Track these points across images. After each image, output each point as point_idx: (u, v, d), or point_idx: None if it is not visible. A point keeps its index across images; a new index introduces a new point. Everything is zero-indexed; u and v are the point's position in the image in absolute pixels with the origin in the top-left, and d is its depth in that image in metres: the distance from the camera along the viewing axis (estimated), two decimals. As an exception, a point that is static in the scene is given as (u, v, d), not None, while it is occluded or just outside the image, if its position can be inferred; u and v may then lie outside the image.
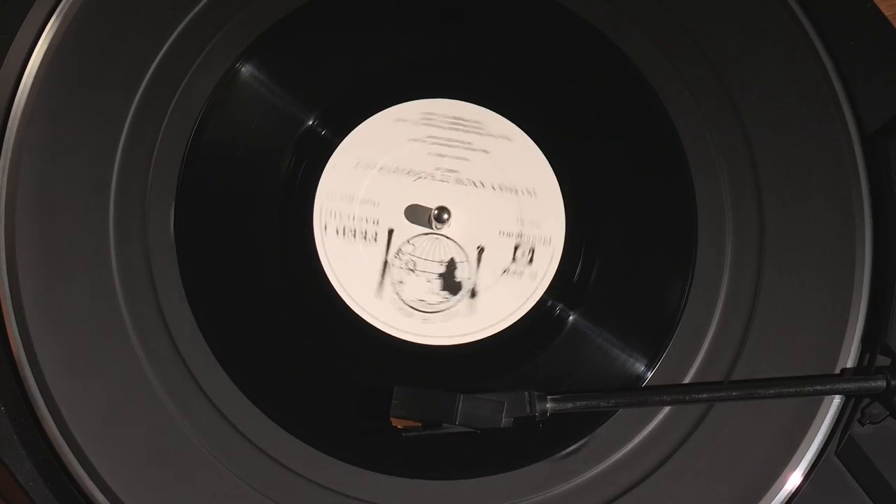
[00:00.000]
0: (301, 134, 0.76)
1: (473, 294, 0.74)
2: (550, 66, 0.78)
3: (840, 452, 0.70)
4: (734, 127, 0.76)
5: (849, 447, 0.70)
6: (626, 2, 0.78)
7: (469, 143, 0.76)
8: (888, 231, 0.74)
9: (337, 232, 0.74)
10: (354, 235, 0.74)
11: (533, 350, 0.73)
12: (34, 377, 0.69)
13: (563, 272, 0.74)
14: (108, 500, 0.68)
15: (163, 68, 0.75)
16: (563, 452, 0.71)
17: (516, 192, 0.76)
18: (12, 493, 0.69)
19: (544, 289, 0.74)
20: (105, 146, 0.73)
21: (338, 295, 0.73)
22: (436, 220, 0.74)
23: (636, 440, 0.71)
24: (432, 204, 0.74)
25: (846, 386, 0.70)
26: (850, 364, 0.72)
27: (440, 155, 0.76)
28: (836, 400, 0.71)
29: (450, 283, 0.74)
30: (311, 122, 0.76)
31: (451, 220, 0.74)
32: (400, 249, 0.74)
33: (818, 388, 0.70)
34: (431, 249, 0.74)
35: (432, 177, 0.76)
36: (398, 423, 0.68)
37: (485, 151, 0.76)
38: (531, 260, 0.75)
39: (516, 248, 0.75)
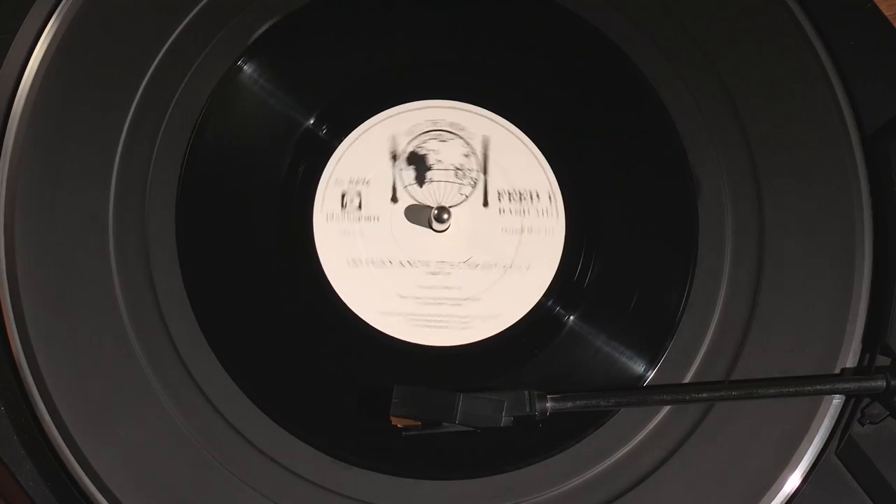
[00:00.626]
0: (301, 134, 0.76)
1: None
2: (551, 66, 0.78)
3: (840, 452, 0.70)
4: (734, 126, 0.76)
5: (849, 447, 0.70)
6: (625, 2, 0.78)
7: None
8: (888, 231, 0.74)
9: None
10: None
11: (533, 350, 0.73)
12: (34, 377, 0.69)
13: (564, 272, 0.74)
14: (108, 500, 0.68)
15: (163, 68, 0.75)
16: (563, 452, 0.71)
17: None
18: (12, 493, 0.69)
19: (548, 281, 0.74)
20: (105, 146, 0.73)
21: (337, 295, 0.73)
22: (436, 220, 0.74)
23: (636, 440, 0.71)
24: (432, 204, 0.75)
25: (846, 386, 0.70)
26: (850, 364, 0.72)
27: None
28: (836, 400, 0.71)
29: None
30: (310, 122, 0.76)
31: (451, 219, 0.74)
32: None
33: (818, 388, 0.70)
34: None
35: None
36: (398, 423, 0.68)
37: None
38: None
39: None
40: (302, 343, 0.72)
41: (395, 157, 0.75)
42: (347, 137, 0.76)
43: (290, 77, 0.77)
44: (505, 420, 0.67)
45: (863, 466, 0.70)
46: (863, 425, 0.70)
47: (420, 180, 0.75)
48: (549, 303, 0.74)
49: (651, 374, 0.72)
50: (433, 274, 0.74)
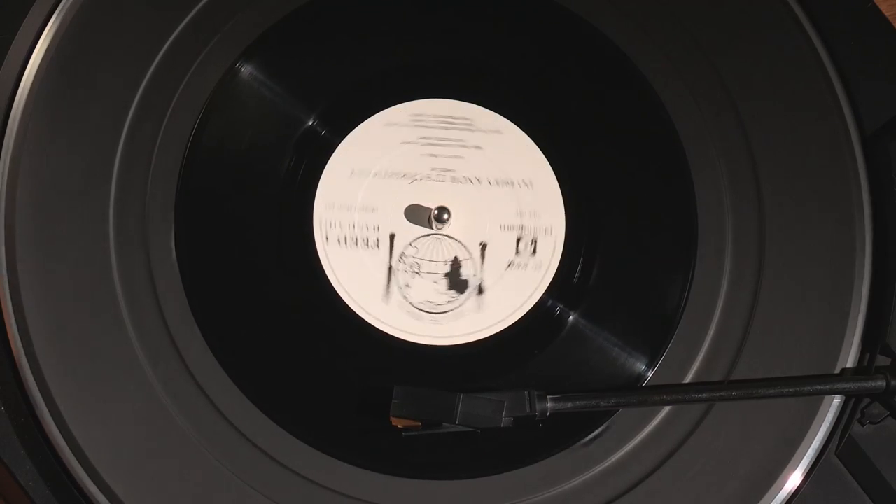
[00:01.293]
0: (301, 134, 0.76)
1: (481, 291, 0.74)
2: (551, 66, 0.78)
3: (840, 452, 0.70)
4: (734, 127, 0.76)
5: (849, 447, 0.70)
6: (625, 2, 0.78)
7: (461, 140, 0.76)
8: (888, 231, 0.74)
9: (339, 241, 0.74)
10: (357, 243, 0.74)
11: (533, 350, 0.73)
12: (34, 377, 0.69)
13: (564, 272, 0.74)
14: (108, 500, 0.68)
15: (163, 68, 0.75)
16: (563, 452, 0.71)
17: (513, 184, 0.76)
18: (12, 493, 0.69)
19: (550, 278, 0.74)
20: (105, 146, 0.73)
21: (337, 295, 0.73)
22: (436, 220, 0.74)
23: (636, 440, 0.71)
24: (431, 204, 0.74)
25: (846, 386, 0.70)
26: (850, 364, 0.72)
27: (433, 155, 0.76)
28: (836, 400, 0.71)
29: (456, 281, 0.74)
30: (310, 122, 0.76)
31: (452, 219, 0.74)
32: (403, 253, 0.74)
33: (818, 388, 0.70)
34: (434, 250, 0.74)
35: (428, 177, 0.76)
36: (398, 423, 0.68)
37: (478, 147, 0.76)
38: (535, 251, 0.75)
39: (518, 241, 0.75)
40: (301, 344, 0.72)
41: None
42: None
43: (290, 77, 0.77)
44: (505, 420, 0.67)
45: (863, 466, 0.70)
46: (863, 425, 0.70)
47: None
48: (550, 302, 0.74)
49: (651, 374, 0.72)
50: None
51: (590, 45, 0.78)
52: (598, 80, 0.78)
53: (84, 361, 0.70)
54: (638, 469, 0.70)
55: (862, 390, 0.70)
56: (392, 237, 0.74)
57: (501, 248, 0.75)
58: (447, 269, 0.74)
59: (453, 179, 0.76)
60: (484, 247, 0.75)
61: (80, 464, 0.68)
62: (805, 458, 0.70)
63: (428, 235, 0.74)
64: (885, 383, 0.69)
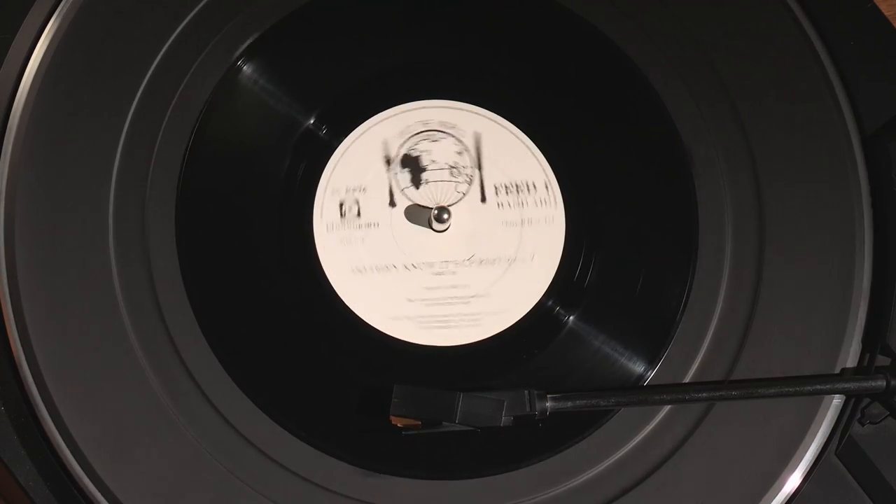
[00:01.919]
0: (301, 134, 0.76)
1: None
2: (551, 66, 0.78)
3: (840, 452, 0.70)
4: (734, 127, 0.76)
5: (849, 447, 0.70)
6: (625, 2, 0.78)
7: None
8: (888, 231, 0.74)
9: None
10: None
11: (533, 350, 0.73)
12: (34, 377, 0.69)
13: (564, 272, 0.74)
14: (108, 500, 0.68)
15: (163, 68, 0.75)
16: (563, 452, 0.71)
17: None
18: (12, 493, 0.69)
19: (563, 235, 0.75)
20: (105, 146, 0.73)
21: (337, 295, 0.73)
22: (437, 220, 0.74)
23: (636, 440, 0.71)
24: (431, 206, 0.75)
25: (846, 386, 0.70)
26: (850, 364, 0.72)
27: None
28: (836, 400, 0.71)
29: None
30: (310, 123, 0.76)
31: (451, 215, 0.74)
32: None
33: (818, 388, 0.70)
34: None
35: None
36: (398, 422, 0.68)
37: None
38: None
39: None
40: (302, 343, 0.72)
41: (389, 162, 0.75)
42: (342, 143, 0.76)
43: (290, 77, 0.77)
44: (505, 420, 0.67)
45: (863, 466, 0.70)
46: (863, 425, 0.70)
47: (416, 182, 0.75)
48: (549, 303, 0.74)
49: (651, 374, 0.72)
50: (438, 274, 0.74)
51: (590, 45, 0.78)
52: (599, 80, 0.78)
53: (84, 361, 0.70)
54: (638, 469, 0.70)
55: (862, 390, 0.70)
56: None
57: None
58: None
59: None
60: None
61: (80, 464, 0.68)
62: (805, 458, 0.70)
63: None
64: (885, 383, 0.69)
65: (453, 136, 0.75)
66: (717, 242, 0.74)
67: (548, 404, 0.68)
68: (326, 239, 0.74)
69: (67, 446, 0.68)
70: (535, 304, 0.74)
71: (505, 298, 0.74)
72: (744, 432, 0.70)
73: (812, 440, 0.70)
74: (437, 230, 0.75)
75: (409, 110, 0.77)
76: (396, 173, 0.75)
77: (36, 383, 0.69)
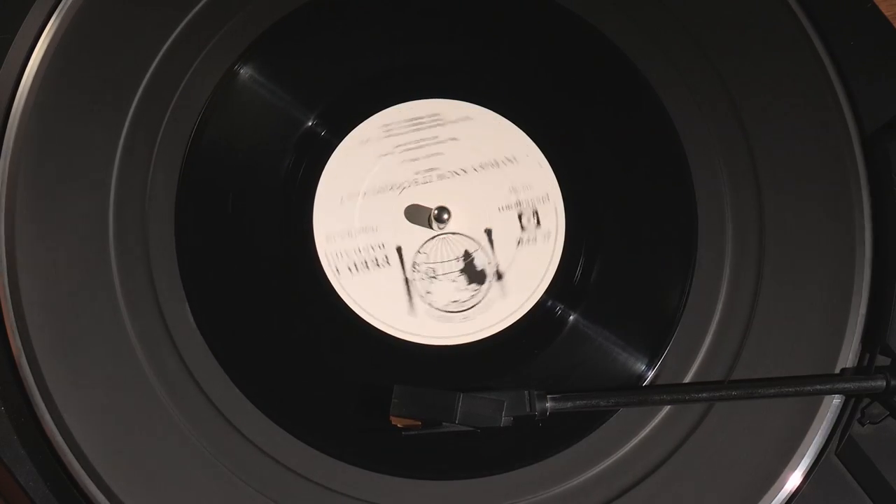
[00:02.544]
0: (301, 134, 0.76)
1: (500, 276, 0.74)
2: (552, 67, 0.78)
3: (840, 452, 0.70)
4: (734, 127, 0.76)
5: (849, 447, 0.70)
6: (626, 2, 0.78)
7: (435, 136, 0.76)
8: (888, 231, 0.74)
9: (350, 270, 0.74)
10: (367, 266, 0.74)
11: (533, 350, 0.73)
12: (34, 377, 0.69)
13: (564, 272, 0.74)
14: (108, 500, 0.68)
15: (163, 68, 0.75)
16: (563, 452, 0.71)
17: (497, 164, 0.76)
18: (12, 493, 0.69)
19: (562, 244, 0.74)
20: (105, 146, 0.73)
21: (337, 295, 0.73)
22: (436, 220, 0.74)
23: (636, 440, 0.71)
24: (430, 206, 0.75)
25: (846, 386, 0.70)
26: (850, 364, 0.72)
27: (413, 159, 0.76)
28: (836, 400, 0.71)
29: (473, 274, 0.74)
30: (310, 123, 0.76)
31: (451, 215, 0.74)
32: (415, 262, 0.74)
33: (818, 388, 0.70)
34: (443, 250, 0.74)
35: (415, 182, 0.76)
36: (398, 422, 0.68)
37: (453, 139, 0.76)
38: (538, 222, 0.75)
39: (521, 217, 0.75)
40: (301, 343, 0.72)
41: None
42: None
43: (290, 77, 0.77)
44: (505, 420, 0.67)
45: (863, 466, 0.70)
46: (863, 425, 0.70)
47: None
48: (549, 303, 0.74)
49: (651, 374, 0.72)
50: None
51: (590, 46, 0.78)
52: (599, 81, 0.78)
53: (84, 362, 0.70)
54: (638, 469, 0.70)
55: (862, 390, 0.70)
56: (399, 250, 0.74)
57: (506, 228, 0.75)
58: (461, 264, 0.74)
59: (440, 177, 0.76)
60: (489, 233, 0.75)
61: (80, 464, 0.68)
62: (805, 458, 0.70)
63: (433, 238, 0.75)
64: (885, 383, 0.69)
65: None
66: (716, 242, 0.74)
67: (548, 404, 0.68)
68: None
69: (67, 446, 0.68)
70: (535, 304, 0.74)
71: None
72: (744, 432, 0.71)
73: (812, 440, 0.70)
74: (441, 230, 0.74)
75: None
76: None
77: (36, 383, 0.69)
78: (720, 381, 0.72)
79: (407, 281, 0.74)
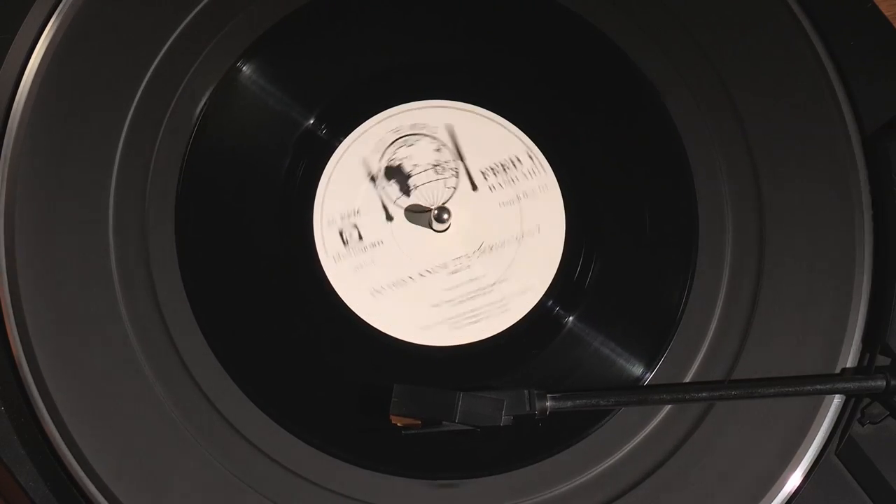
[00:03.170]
0: (300, 134, 0.76)
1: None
2: (551, 66, 0.78)
3: (840, 452, 0.70)
4: (734, 127, 0.76)
5: (849, 447, 0.70)
6: (626, 2, 0.78)
7: (434, 137, 0.76)
8: (888, 231, 0.74)
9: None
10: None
11: (533, 350, 0.73)
12: (34, 377, 0.69)
13: (564, 272, 0.74)
14: (108, 500, 0.68)
15: (163, 68, 0.75)
16: (563, 452, 0.71)
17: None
18: (12, 493, 0.69)
19: (562, 242, 0.75)
20: (105, 146, 0.73)
21: (337, 295, 0.73)
22: (437, 220, 0.74)
23: (636, 440, 0.71)
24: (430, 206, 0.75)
25: (846, 386, 0.70)
26: (850, 364, 0.72)
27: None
28: (836, 400, 0.71)
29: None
30: (310, 123, 0.76)
31: (451, 215, 0.74)
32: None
33: (818, 388, 0.70)
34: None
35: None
36: (398, 421, 0.68)
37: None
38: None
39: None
40: (302, 344, 0.72)
41: (373, 179, 0.75)
42: (325, 169, 0.75)
43: (290, 77, 0.77)
44: (505, 419, 0.67)
45: (863, 466, 0.70)
46: (863, 425, 0.70)
47: (405, 190, 0.75)
48: (549, 303, 0.74)
49: (651, 374, 0.72)
50: (454, 272, 0.74)
51: (589, 45, 0.78)
52: (598, 81, 0.78)
53: (84, 362, 0.70)
54: (638, 469, 0.70)
55: (862, 390, 0.70)
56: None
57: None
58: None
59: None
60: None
61: (80, 464, 0.68)
62: (805, 458, 0.70)
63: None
64: (885, 383, 0.69)
65: (427, 136, 0.75)
66: (716, 242, 0.74)
67: (548, 404, 0.68)
68: (337, 270, 0.74)
69: (67, 446, 0.68)
70: (535, 304, 0.74)
71: (525, 275, 0.74)
72: (744, 432, 0.70)
73: (812, 440, 0.70)
74: (439, 230, 0.75)
75: (378, 122, 0.76)
76: (384, 187, 0.75)
77: (36, 383, 0.69)
78: (720, 381, 0.72)
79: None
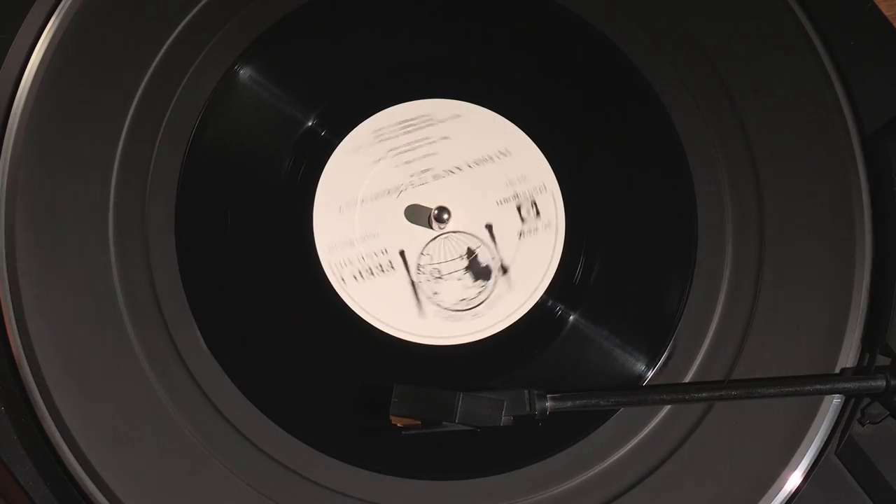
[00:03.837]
0: (301, 134, 0.76)
1: (504, 270, 0.74)
2: (551, 68, 0.78)
3: (840, 452, 0.70)
4: (734, 127, 0.76)
5: (849, 447, 0.70)
6: (626, 2, 0.78)
7: (427, 137, 0.76)
8: (888, 231, 0.74)
9: (355, 278, 0.74)
10: (373, 273, 0.74)
11: (533, 350, 0.73)
12: (34, 377, 0.69)
13: (564, 272, 0.74)
14: (108, 500, 0.68)
15: (162, 68, 0.75)
16: (563, 452, 0.71)
17: (492, 158, 0.76)
18: (12, 493, 0.69)
19: (563, 235, 0.74)
20: (105, 146, 0.73)
21: (337, 295, 0.73)
22: (437, 220, 0.74)
23: (636, 440, 0.71)
24: (431, 206, 0.75)
25: (846, 386, 0.70)
26: (850, 364, 0.72)
27: (407, 162, 0.76)
28: (836, 400, 0.71)
29: (478, 271, 0.74)
30: (310, 123, 0.76)
31: (451, 214, 0.74)
32: (419, 264, 0.74)
33: (818, 387, 0.70)
34: (446, 250, 0.74)
35: (411, 185, 0.76)
36: (398, 422, 0.68)
37: (445, 138, 0.76)
38: (538, 212, 0.75)
39: (519, 209, 0.75)
40: (301, 343, 0.72)
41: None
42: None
43: (290, 77, 0.77)
44: (505, 419, 0.67)
45: (863, 466, 0.70)
46: (863, 425, 0.70)
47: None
48: (549, 303, 0.74)
49: (651, 374, 0.72)
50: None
51: (589, 45, 0.78)
52: (598, 81, 0.78)
53: (84, 362, 0.70)
54: (638, 469, 0.70)
55: (862, 390, 0.70)
56: (402, 253, 0.74)
57: (507, 222, 0.75)
58: (465, 262, 0.74)
59: (435, 177, 0.76)
60: (490, 228, 0.75)
61: (80, 464, 0.68)
62: (805, 458, 0.70)
63: (435, 239, 0.74)
64: (885, 383, 0.69)
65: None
66: (716, 242, 0.74)
67: (548, 404, 0.68)
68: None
69: (67, 446, 0.68)
70: (535, 304, 0.74)
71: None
72: (744, 432, 0.70)
73: (812, 440, 0.70)
74: (442, 229, 0.74)
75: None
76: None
77: (36, 383, 0.69)
78: (720, 381, 0.72)
79: (413, 284, 0.74)
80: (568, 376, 0.72)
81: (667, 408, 0.71)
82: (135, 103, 0.74)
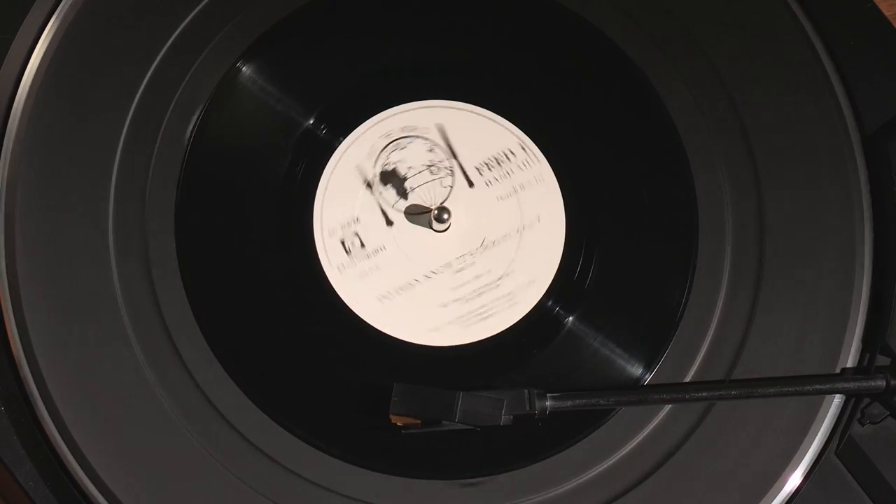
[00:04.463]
0: (300, 134, 0.76)
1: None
2: (551, 67, 0.78)
3: (840, 452, 0.70)
4: (734, 127, 0.76)
5: (849, 447, 0.70)
6: (626, 2, 0.78)
7: (427, 137, 0.76)
8: (888, 231, 0.74)
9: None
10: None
11: (533, 350, 0.73)
12: (34, 377, 0.69)
13: (563, 272, 0.74)
14: (108, 500, 0.68)
15: (163, 68, 0.75)
16: (563, 452, 0.71)
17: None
18: (12, 493, 0.69)
19: (563, 234, 0.75)
20: (105, 146, 0.74)
21: (336, 295, 0.73)
22: (437, 220, 0.74)
23: (636, 440, 0.71)
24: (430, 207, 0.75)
25: (846, 386, 0.70)
26: (850, 364, 0.72)
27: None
28: (836, 400, 0.71)
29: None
30: (310, 123, 0.76)
31: (451, 215, 0.74)
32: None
33: (818, 387, 0.70)
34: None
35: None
36: (398, 421, 0.68)
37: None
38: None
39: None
40: (302, 343, 0.72)
41: (369, 185, 0.75)
42: (323, 174, 0.76)
43: (290, 77, 0.77)
44: (505, 418, 0.67)
45: (863, 466, 0.70)
46: (863, 425, 0.70)
47: (402, 193, 0.75)
48: (549, 303, 0.74)
49: (651, 374, 0.72)
50: (459, 271, 0.74)
51: (589, 45, 0.78)
52: (598, 80, 0.78)
53: (84, 362, 0.70)
54: (638, 469, 0.70)
55: (862, 390, 0.70)
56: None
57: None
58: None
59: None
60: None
61: (80, 464, 0.68)
62: (805, 458, 0.70)
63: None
64: (885, 383, 0.69)
65: (419, 137, 0.75)
66: (716, 242, 0.74)
67: (547, 403, 0.68)
68: (342, 280, 0.73)
69: (67, 446, 0.68)
70: (535, 304, 0.74)
71: (530, 266, 0.74)
72: (744, 432, 0.70)
73: (812, 440, 0.70)
74: (440, 230, 0.75)
75: (369, 127, 0.76)
76: (381, 192, 0.75)
77: (36, 383, 0.69)
78: (720, 381, 0.72)
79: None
80: (568, 376, 0.72)
81: (667, 408, 0.71)
82: (135, 103, 0.74)
